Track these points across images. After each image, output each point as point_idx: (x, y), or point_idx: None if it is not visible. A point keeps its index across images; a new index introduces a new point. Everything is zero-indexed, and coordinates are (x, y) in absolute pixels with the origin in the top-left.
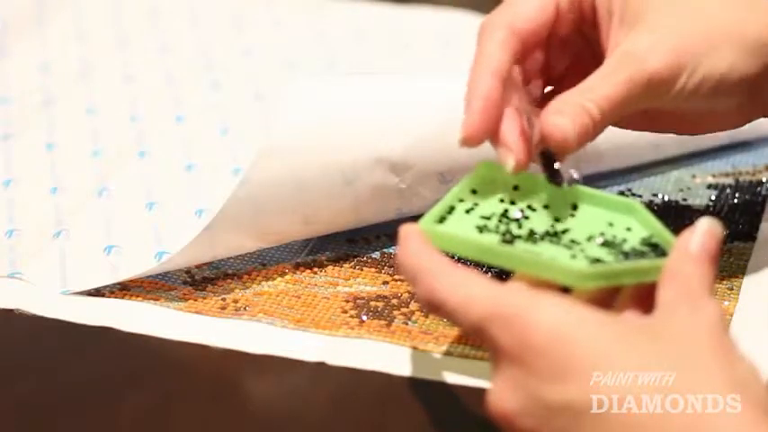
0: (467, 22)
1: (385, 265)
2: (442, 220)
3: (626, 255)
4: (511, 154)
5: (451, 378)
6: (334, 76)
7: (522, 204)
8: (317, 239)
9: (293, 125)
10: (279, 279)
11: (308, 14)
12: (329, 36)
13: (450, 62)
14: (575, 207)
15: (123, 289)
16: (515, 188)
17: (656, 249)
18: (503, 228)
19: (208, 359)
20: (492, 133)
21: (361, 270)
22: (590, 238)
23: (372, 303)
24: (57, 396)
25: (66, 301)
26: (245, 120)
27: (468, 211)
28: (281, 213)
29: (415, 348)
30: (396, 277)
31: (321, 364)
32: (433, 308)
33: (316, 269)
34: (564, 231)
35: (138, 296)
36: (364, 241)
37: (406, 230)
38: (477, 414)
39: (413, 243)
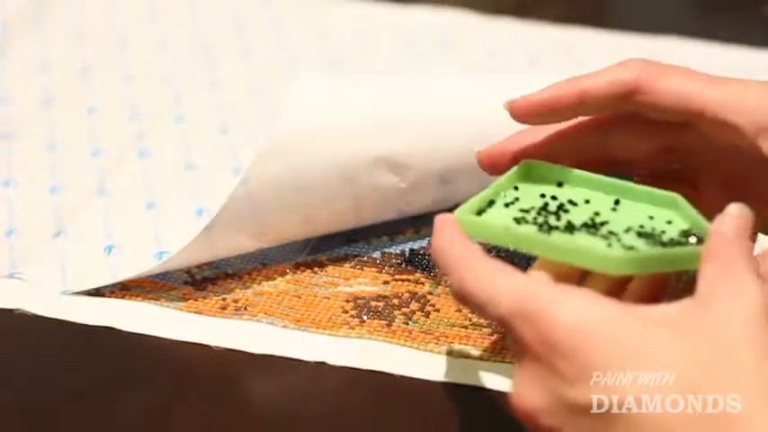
0: (467, 22)
1: (385, 265)
2: (480, 212)
3: (663, 245)
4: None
5: (452, 378)
6: (334, 76)
7: (564, 199)
8: (317, 239)
9: (293, 124)
10: (279, 279)
11: (308, 14)
12: (329, 36)
13: (451, 62)
14: (617, 202)
15: (123, 289)
16: (559, 185)
17: (697, 241)
18: (541, 219)
19: (208, 359)
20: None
21: (362, 270)
22: (628, 230)
23: (373, 303)
24: (57, 396)
25: (66, 301)
26: (245, 120)
27: (507, 205)
28: (281, 213)
29: (415, 348)
30: (396, 277)
31: (321, 364)
32: (462, 299)
33: (316, 269)
34: (602, 223)
35: (138, 296)
36: (364, 241)
37: (441, 220)
38: (477, 414)
39: (447, 232)
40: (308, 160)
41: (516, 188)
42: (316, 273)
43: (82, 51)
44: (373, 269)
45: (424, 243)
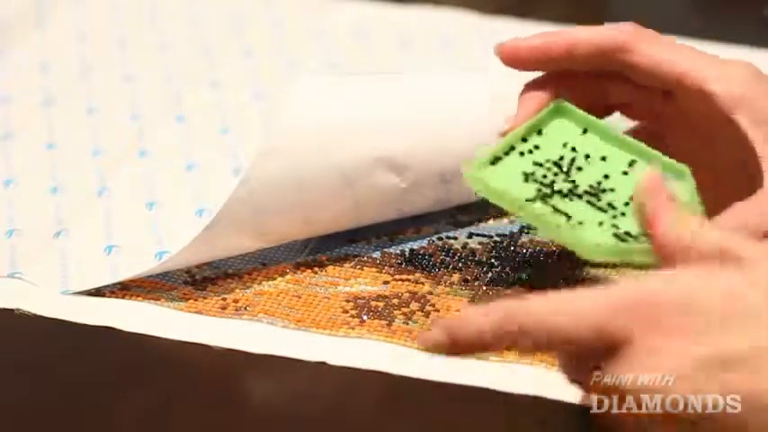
0: (467, 22)
1: (385, 265)
2: (496, 160)
3: (648, 235)
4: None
5: (452, 378)
6: (334, 76)
7: (581, 153)
8: (317, 239)
9: (293, 125)
10: (279, 279)
11: (308, 14)
12: (329, 36)
13: (450, 62)
14: (631, 163)
15: (124, 289)
16: (584, 131)
17: None
18: (548, 179)
19: (208, 359)
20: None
21: (362, 270)
22: (628, 203)
23: (373, 303)
24: (56, 396)
25: (66, 301)
26: (245, 120)
27: (522, 154)
28: (282, 213)
29: (415, 348)
30: (396, 277)
31: (322, 364)
32: (548, 344)
33: (316, 269)
34: (606, 191)
35: (138, 296)
36: (365, 241)
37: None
38: (477, 413)
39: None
40: (308, 160)
41: (540, 132)
42: (316, 273)
43: (82, 51)
44: (373, 269)
45: (424, 243)
